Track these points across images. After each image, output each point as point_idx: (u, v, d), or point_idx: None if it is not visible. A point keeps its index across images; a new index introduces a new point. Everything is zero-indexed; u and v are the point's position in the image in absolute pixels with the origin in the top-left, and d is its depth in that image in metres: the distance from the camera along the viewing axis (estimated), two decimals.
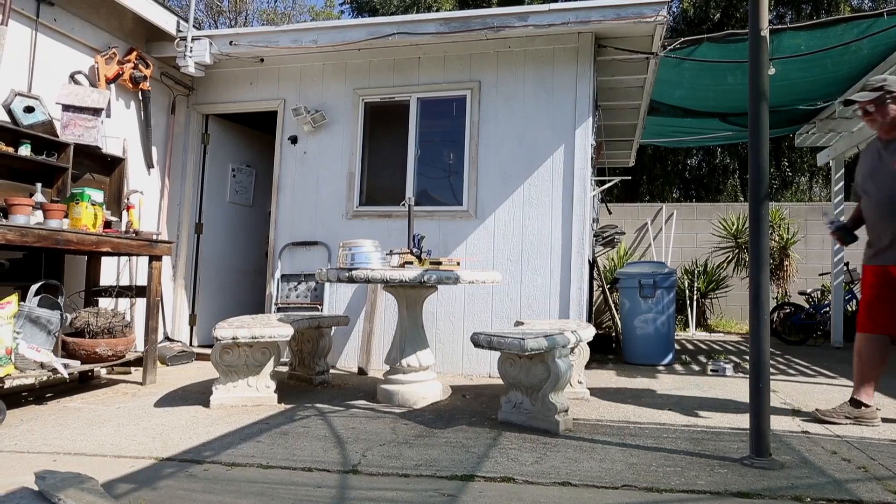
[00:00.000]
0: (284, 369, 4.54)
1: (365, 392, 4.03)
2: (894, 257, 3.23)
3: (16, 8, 3.99)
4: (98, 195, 3.97)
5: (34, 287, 3.49)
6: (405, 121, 5.18)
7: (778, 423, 3.21)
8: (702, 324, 9.27)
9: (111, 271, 4.82)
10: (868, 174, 3.35)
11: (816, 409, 3.37)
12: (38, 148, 3.94)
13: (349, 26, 5.00)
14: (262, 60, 5.46)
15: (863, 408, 3.25)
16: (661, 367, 5.43)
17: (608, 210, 8.83)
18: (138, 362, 4.16)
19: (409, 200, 4.46)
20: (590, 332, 3.67)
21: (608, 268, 8.73)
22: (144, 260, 4.63)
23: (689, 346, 7.24)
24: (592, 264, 6.18)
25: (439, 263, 3.57)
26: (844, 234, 3.45)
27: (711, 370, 5.06)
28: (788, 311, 8.02)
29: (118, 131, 4.83)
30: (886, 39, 4.95)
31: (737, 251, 9.26)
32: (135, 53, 4.95)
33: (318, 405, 3.61)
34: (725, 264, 9.35)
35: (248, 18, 18.27)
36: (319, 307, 5.13)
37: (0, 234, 3.14)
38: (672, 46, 5.05)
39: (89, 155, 4.37)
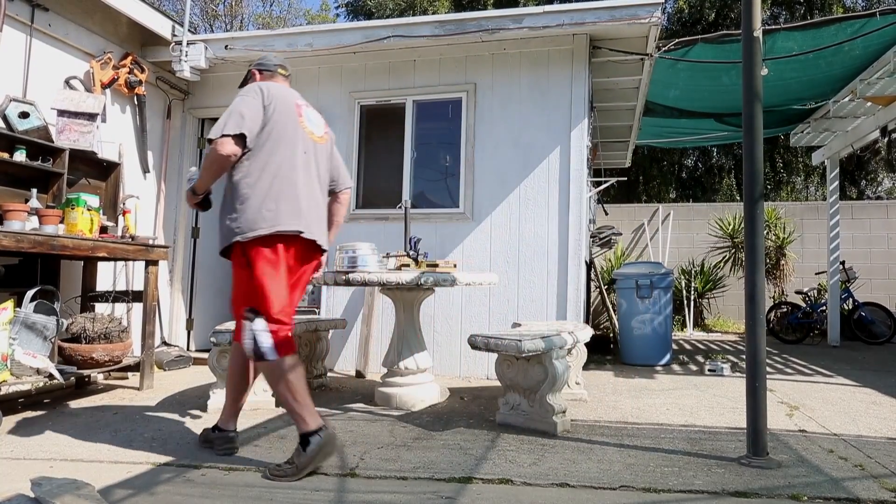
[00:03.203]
0: None
1: (363, 395, 4.03)
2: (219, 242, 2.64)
3: (10, 13, 3.99)
4: (94, 200, 3.96)
5: (30, 293, 3.48)
6: (401, 123, 5.18)
7: (775, 423, 3.22)
8: (699, 324, 9.29)
9: (107, 276, 4.81)
10: None
11: (206, 430, 2.78)
12: (34, 153, 3.93)
13: (344, 30, 5.00)
14: None
15: (217, 431, 2.68)
16: (658, 368, 5.44)
17: (605, 211, 8.84)
18: (135, 367, 4.15)
19: (405, 203, 4.45)
20: (587, 333, 3.68)
21: (605, 269, 8.74)
22: (141, 265, 4.63)
23: (687, 347, 7.25)
24: (590, 265, 6.19)
25: (436, 266, 3.57)
26: None
27: (709, 370, 5.07)
28: (785, 310, 8.04)
29: (114, 136, 4.82)
30: (879, 39, 4.97)
31: (733, 251, 9.26)
32: (130, 58, 4.94)
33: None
34: (722, 264, 9.36)
35: (244, 22, 18.29)
36: (317, 310, 5.12)
37: None
38: (667, 47, 5.07)
39: (85, 160, 4.36)
